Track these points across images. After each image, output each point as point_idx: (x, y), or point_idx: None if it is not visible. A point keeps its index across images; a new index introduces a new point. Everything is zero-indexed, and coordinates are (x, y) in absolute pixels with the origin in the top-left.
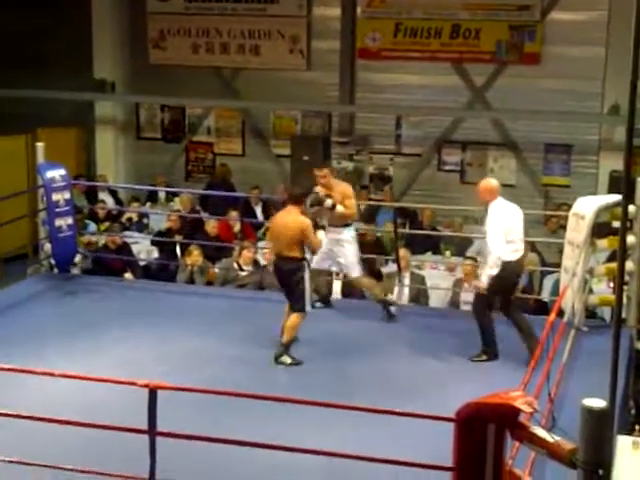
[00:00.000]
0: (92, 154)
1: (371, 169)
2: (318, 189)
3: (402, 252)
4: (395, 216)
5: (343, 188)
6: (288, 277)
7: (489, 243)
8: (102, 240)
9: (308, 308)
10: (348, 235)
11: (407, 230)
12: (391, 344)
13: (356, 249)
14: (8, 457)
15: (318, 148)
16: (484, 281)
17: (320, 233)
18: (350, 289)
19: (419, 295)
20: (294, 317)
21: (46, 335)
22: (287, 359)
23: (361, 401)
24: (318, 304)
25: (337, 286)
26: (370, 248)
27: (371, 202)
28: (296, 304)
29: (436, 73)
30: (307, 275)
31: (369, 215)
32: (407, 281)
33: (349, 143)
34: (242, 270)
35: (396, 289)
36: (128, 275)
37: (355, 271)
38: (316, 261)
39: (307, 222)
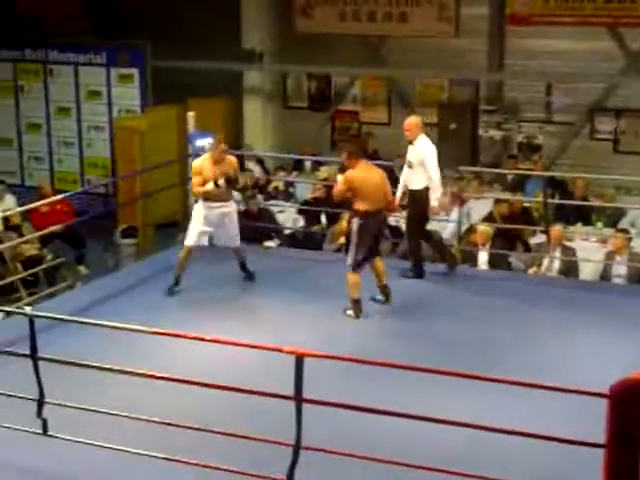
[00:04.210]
0: (240, 124)
1: (519, 138)
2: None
3: (556, 228)
4: (545, 186)
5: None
6: (383, 229)
7: None
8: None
9: None
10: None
11: (557, 200)
12: (536, 314)
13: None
14: (160, 418)
15: (465, 116)
16: None
17: None
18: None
19: (570, 268)
20: (381, 264)
21: (199, 300)
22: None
23: (503, 372)
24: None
25: (483, 256)
26: (518, 218)
27: (519, 171)
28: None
29: (589, 38)
30: None
31: (517, 185)
32: (557, 253)
33: (497, 111)
34: None
35: (545, 261)
36: (270, 243)
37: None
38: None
39: None
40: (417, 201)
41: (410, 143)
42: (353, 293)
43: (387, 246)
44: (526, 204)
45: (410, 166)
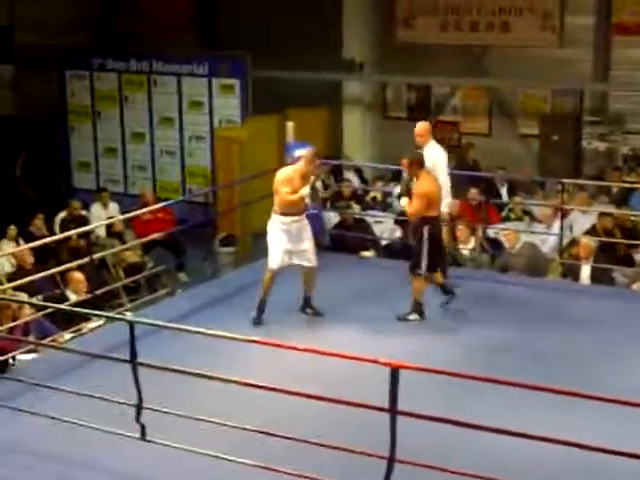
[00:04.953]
0: (339, 134)
1: (625, 150)
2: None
3: None
4: None
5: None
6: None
7: None
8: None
9: None
10: None
11: None
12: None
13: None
14: (255, 427)
15: (568, 128)
16: None
17: None
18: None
19: None
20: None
21: (293, 310)
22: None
23: (601, 390)
24: None
25: (585, 271)
26: (623, 232)
27: (625, 184)
28: None
29: None
30: None
31: (622, 198)
32: None
33: (601, 122)
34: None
35: None
36: (367, 253)
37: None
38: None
39: None
40: None
41: (419, 148)
42: (419, 296)
43: (487, 258)
44: (632, 218)
45: None
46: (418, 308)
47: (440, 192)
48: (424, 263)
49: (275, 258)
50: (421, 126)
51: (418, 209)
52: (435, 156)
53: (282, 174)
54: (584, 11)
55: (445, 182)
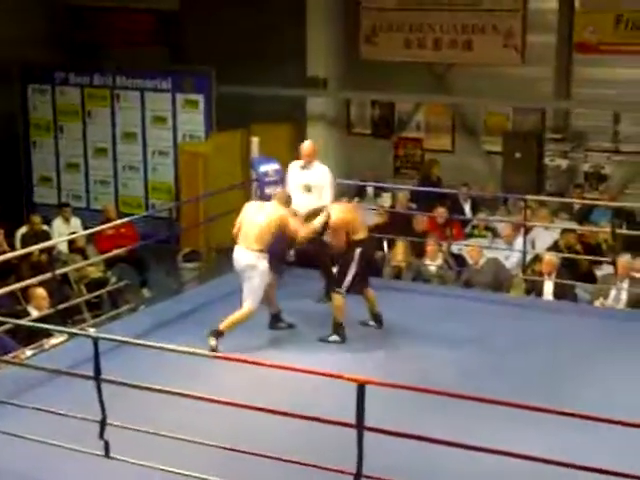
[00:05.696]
0: None
1: (586, 167)
2: None
3: (624, 259)
4: (613, 216)
5: None
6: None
7: None
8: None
9: None
10: None
11: (625, 231)
12: (602, 346)
13: None
14: (219, 443)
15: (531, 145)
16: None
17: None
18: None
19: (638, 300)
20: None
21: (259, 326)
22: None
23: (567, 405)
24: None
25: (548, 287)
26: (585, 249)
27: (586, 201)
28: None
29: None
30: None
31: (583, 214)
32: (625, 285)
33: (564, 140)
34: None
35: (612, 293)
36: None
37: None
38: None
39: None
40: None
41: (305, 167)
42: (340, 316)
43: (452, 275)
44: (593, 234)
45: (309, 190)
46: (338, 329)
47: (358, 215)
48: (346, 282)
49: (257, 300)
50: (309, 146)
51: (340, 240)
52: (321, 175)
53: (287, 216)
54: (546, 30)
55: (329, 200)
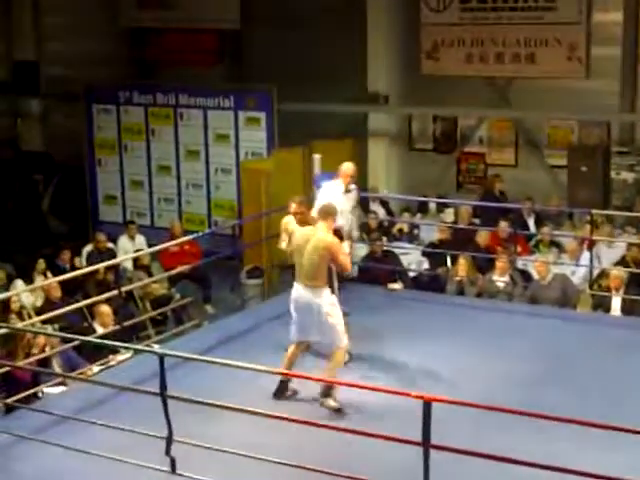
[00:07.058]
0: (365, 166)
1: None
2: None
3: None
4: None
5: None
6: None
7: None
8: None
9: None
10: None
11: None
12: None
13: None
14: (283, 459)
15: (596, 158)
16: None
17: None
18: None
19: None
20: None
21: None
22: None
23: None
24: None
25: (616, 302)
26: None
27: None
28: None
29: None
30: None
31: None
32: None
33: (629, 153)
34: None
35: None
36: (395, 285)
37: None
38: None
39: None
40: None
41: (348, 191)
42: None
43: (519, 290)
44: None
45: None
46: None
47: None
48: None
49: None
50: (352, 167)
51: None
52: (355, 197)
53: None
54: (610, 42)
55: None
